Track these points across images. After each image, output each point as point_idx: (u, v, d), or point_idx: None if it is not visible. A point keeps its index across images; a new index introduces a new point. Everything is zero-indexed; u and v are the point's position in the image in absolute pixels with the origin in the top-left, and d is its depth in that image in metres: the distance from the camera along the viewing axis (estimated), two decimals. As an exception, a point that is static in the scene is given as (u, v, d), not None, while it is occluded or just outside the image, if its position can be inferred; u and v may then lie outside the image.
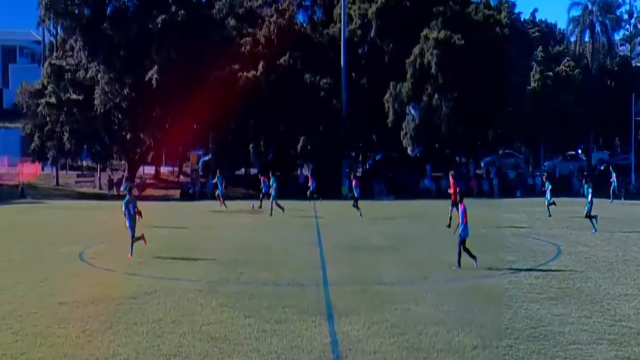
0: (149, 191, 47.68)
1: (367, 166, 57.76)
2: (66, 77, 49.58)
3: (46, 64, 52.90)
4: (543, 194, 33.16)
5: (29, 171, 52.74)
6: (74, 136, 49.00)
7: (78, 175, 54.19)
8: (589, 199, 24.52)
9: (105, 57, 47.10)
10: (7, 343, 10.38)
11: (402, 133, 47.45)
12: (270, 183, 33.68)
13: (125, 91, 47.55)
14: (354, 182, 31.89)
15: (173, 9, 46.84)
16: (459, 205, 16.82)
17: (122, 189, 29.24)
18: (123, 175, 51.78)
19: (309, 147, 47.28)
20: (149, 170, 57.15)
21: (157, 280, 15.24)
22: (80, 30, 47.86)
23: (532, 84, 55.31)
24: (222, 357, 9.72)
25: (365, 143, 52.66)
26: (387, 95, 47.46)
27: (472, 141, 52.31)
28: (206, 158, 54.49)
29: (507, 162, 57.24)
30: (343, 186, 47.26)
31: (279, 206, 31.47)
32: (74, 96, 48.68)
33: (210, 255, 19.43)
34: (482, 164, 59.14)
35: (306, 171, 53.60)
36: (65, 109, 49.03)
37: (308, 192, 37.52)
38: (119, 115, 48.82)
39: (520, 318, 11.64)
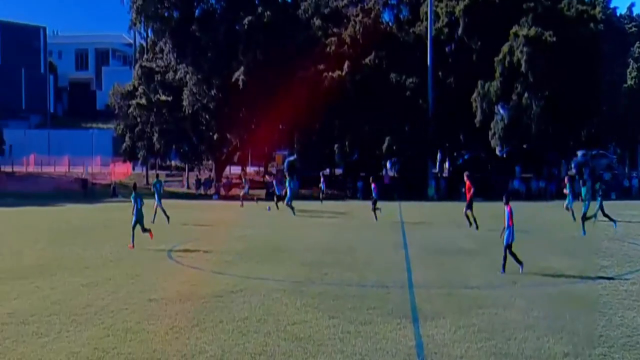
0: (235, 191, 48.44)
1: (454, 167, 56.80)
2: (156, 78, 50.99)
3: (137, 66, 54.58)
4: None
5: (121, 171, 54.60)
6: (163, 136, 50.34)
7: (167, 175, 55.68)
8: (586, 201, 24.63)
9: (194, 58, 48.15)
10: (99, 337, 10.66)
11: (490, 133, 46.42)
12: (287, 184, 34.18)
13: (213, 92, 48.45)
14: (372, 185, 31.24)
15: (259, 10, 47.42)
16: (505, 208, 15.75)
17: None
18: (210, 175, 52.86)
19: (394, 147, 46.91)
20: (235, 170, 58.18)
21: (242, 280, 15.39)
22: (170, 32, 49.12)
23: (629, 82, 52.96)
24: (306, 357, 9.67)
25: (451, 143, 51.78)
26: (474, 95, 46.54)
27: (563, 141, 50.58)
28: (291, 158, 54.93)
29: (599, 162, 55.07)
30: (429, 187, 46.72)
31: (291, 207, 31.96)
32: (163, 97, 50.02)
33: (294, 255, 19.49)
34: (572, 165, 57.14)
35: (392, 171, 53.26)
36: (155, 110, 50.42)
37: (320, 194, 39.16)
38: (207, 116, 49.80)
39: (614, 326, 11.09)
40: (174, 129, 50.53)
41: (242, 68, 46.35)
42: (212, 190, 48.55)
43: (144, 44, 59.38)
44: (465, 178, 26.35)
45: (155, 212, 27.81)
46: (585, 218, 23.96)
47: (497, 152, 47.52)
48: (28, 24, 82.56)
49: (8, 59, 76.08)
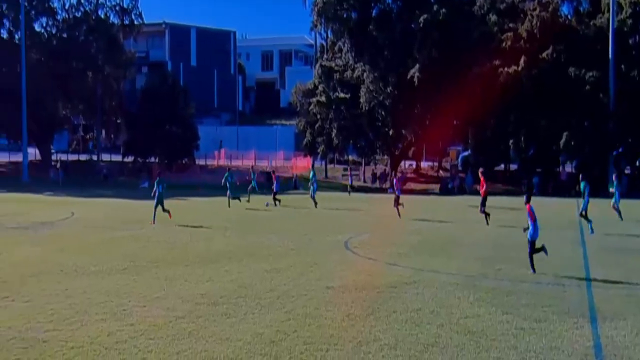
0: (410, 185, 48.67)
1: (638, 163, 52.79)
2: (335, 77, 52.46)
3: (317, 65, 56.45)
4: None
5: (301, 164, 56.79)
6: (341, 132, 51.75)
7: (344, 169, 57.10)
8: (586, 197, 23.56)
9: (371, 57, 48.94)
10: (280, 321, 11.32)
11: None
12: (310, 177, 33.54)
13: (389, 89, 48.97)
14: (394, 180, 29.85)
15: (435, 8, 47.22)
16: (526, 206, 15.48)
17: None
18: (385, 169, 53.49)
19: (572, 143, 44.67)
20: (410, 164, 58.34)
21: (416, 272, 15.61)
22: (348, 33, 50.29)
23: None
24: (478, 351, 9.71)
25: (635, 139, 48.22)
26: (661, 88, 43.00)
27: None
28: (465, 154, 54.11)
29: None
30: (609, 183, 43.86)
31: (314, 201, 32.25)
32: (341, 95, 51.39)
33: (467, 249, 19.40)
34: None
35: (569, 167, 50.70)
36: (333, 107, 51.94)
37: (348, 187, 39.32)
38: (382, 113, 50.44)
39: None
40: (352, 125, 51.74)
41: (417, 65, 46.45)
42: (387, 184, 49.13)
43: (324, 45, 61.19)
44: (479, 175, 26.43)
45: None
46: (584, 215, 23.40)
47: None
48: (220, 29, 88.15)
49: (203, 62, 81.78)
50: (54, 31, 58.98)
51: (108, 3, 60.25)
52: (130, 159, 57.92)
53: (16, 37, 55.68)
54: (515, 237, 21.93)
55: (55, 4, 58.22)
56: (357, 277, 15.02)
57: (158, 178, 27.04)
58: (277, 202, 33.23)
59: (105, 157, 62.56)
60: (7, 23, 57.29)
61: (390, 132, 51.80)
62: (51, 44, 57.70)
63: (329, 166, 56.97)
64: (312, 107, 53.57)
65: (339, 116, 51.90)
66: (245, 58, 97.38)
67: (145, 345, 9.99)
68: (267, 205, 32.83)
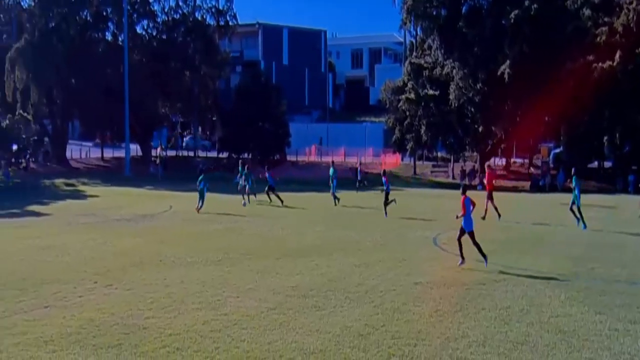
0: (500, 182, 47.66)
1: None
2: (424, 74, 52.05)
3: (406, 63, 56.18)
4: None
5: (391, 161, 56.66)
6: (430, 129, 51.34)
7: (433, 166, 56.47)
8: (577, 192, 23.13)
9: (460, 54, 48.27)
10: (369, 315, 11.49)
11: None
12: (331, 173, 32.35)
13: (478, 86, 48.17)
14: (383, 179, 28.15)
15: (526, 3, 46.04)
16: (461, 197, 15.90)
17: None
18: (474, 166, 52.67)
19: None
20: (500, 162, 57.14)
21: (505, 269, 15.42)
22: (438, 30, 49.76)
23: None
24: (570, 351, 9.58)
25: None
26: None
27: None
28: (557, 150, 52.52)
29: None
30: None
31: (335, 197, 30.89)
32: (430, 92, 50.95)
33: (558, 248, 18.98)
34: None
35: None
36: (422, 103, 51.56)
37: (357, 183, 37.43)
38: (472, 109, 49.69)
39: None
40: (441, 122, 51.21)
41: (507, 61, 45.44)
42: (476, 181, 48.31)
43: (414, 42, 60.77)
44: (486, 168, 26.64)
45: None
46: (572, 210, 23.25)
47: None
48: (311, 28, 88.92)
49: (294, 61, 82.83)
50: (154, 33, 61.11)
51: (204, 5, 61.94)
52: (224, 154, 59.44)
53: (120, 39, 58.04)
54: (609, 237, 21.34)
55: (156, 7, 60.31)
56: (446, 273, 15.01)
57: (203, 175, 28.85)
58: (270, 198, 31.28)
59: (202, 153, 64.51)
60: (111, 26, 59.90)
61: (480, 129, 50.94)
62: (151, 46, 59.89)
63: (418, 163, 56.56)
64: (401, 104, 53.36)
65: (428, 113, 51.48)
66: (335, 56, 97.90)
67: (238, 334, 10.34)
68: (244, 205, 30.49)
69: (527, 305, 12.07)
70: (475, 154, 54.59)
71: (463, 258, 15.71)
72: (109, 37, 60.31)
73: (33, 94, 53.08)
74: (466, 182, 49.83)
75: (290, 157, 59.36)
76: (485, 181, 26.79)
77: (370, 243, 19.68)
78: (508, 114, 49.14)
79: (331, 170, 32.81)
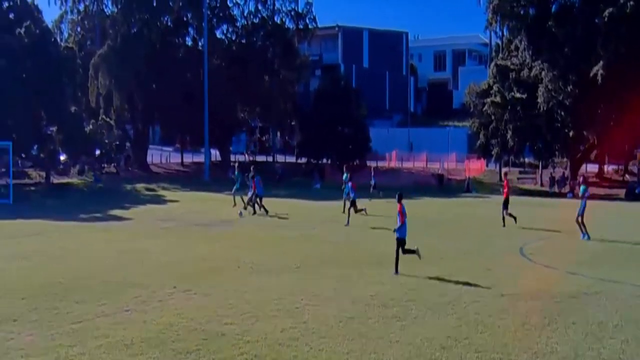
0: (592, 190, 45.84)
1: None
2: (510, 76, 50.74)
3: (492, 65, 54.93)
4: None
5: (475, 167, 55.48)
6: (516, 134, 49.92)
7: (520, 172, 54.95)
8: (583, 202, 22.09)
9: (549, 55, 46.77)
10: (451, 326, 11.13)
11: None
12: (344, 178, 30.59)
13: (569, 88, 46.52)
14: (348, 184, 26.81)
15: (621, 1, 44.07)
16: (397, 205, 15.86)
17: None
18: (564, 173, 50.91)
19: None
20: (592, 168, 55.02)
21: (598, 282, 14.69)
22: (525, 30, 48.39)
23: None
24: (669, 372, 8.96)
25: None
26: None
27: None
28: (655, 157, 50.13)
29: None
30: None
31: (353, 208, 27.26)
32: (517, 95, 49.58)
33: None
34: None
35: None
36: (509, 107, 50.24)
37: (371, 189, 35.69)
38: (562, 113, 48.05)
39: None
40: (528, 126, 49.70)
41: (601, 62, 43.61)
42: (566, 189, 46.64)
43: (499, 43, 59.46)
44: (503, 177, 27.06)
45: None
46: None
47: None
48: (392, 30, 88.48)
49: (375, 64, 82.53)
50: (233, 37, 62.11)
51: (284, 8, 62.49)
52: (303, 159, 59.73)
53: (199, 44, 59.26)
54: None
55: (235, 12, 61.27)
56: (533, 285, 14.41)
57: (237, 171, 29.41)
58: (256, 208, 29.35)
59: (280, 158, 65.05)
60: (191, 31, 61.20)
61: (570, 134, 49.17)
62: (231, 50, 60.87)
63: (504, 169, 55.14)
64: (486, 107, 52.19)
65: (514, 117, 50.09)
66: (417, 59, 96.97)
67: (316, 343, 10.21)
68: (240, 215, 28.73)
69: (622, 321, 11.40)
70: (565, 159, 52.82)
71: (396, 270, 15.54)
72: (189, 42, 61.65)
73: (115, 99, 54.68)
74: (555, 189, 48.20)
75: (371, 163, 59.04)
76: (504, 190, 26.34)
77: (453, 252, 19.18)
78: (601, 117, 47.26)
79: (344, 176, 31.51)
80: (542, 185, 50.82)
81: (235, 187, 31.92)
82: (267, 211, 29.01)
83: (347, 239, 21.87)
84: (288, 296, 13.24)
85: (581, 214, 22.10)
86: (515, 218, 24.98)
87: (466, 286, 14.26)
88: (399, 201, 15.99)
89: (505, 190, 26.13)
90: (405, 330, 10.87)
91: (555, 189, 48.47)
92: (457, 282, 14.65)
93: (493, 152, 52.82)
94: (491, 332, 10.79)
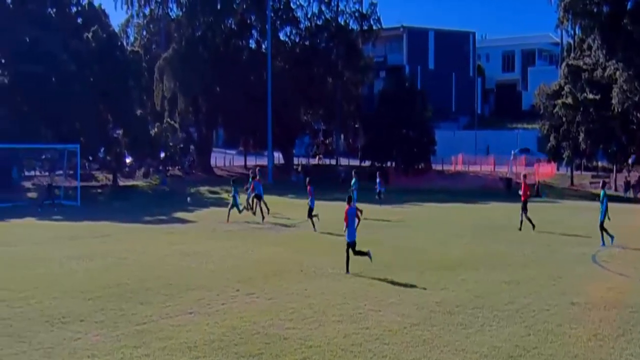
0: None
1: None
2: (583, 77, 49.26)
3: (563, 65, 53.46)
4: None
5: (545, 171, 54.07)
6: (589, 136, 48.39)
7: (593, 176, 53.21)
8: (603, 207, 21.11)
9: (624, 54, 45.20)
10: (520, 335, 10.84)
11: None
12: (352, 183, 29.46)
13: (645, 88, 44.91)
14: (308, 188, 25.44)
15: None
16: (345, 207, 16.33)
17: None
18: (639, 177, 49.10)
19: None
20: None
21: (677, 292, 14.01)
22: (599, 28, 46.92)
23: None
24: None
25: None
26: None
27: None
28: None
29: None
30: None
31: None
32: (590, 96, 48.07)
33: None
34: None
35: None
36: (581, 109, 48.78)
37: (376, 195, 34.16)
38: (638, 115, 46.38)
39: None
40: (601, 129, 48.12)
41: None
42: (643, 194, 45.01)
43: (571, 42, 57.85)
44: (522, 179, 26.41)
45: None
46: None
47: None
48: (459, 30, 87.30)
49: (441, 65, 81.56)
50: (297, 39, 62.34)
51: (348, 9, 62.28)
52: (367, 163, 59.43)
53: (263, 46, 59.70)
54: None
55: (299, 14, 61.47)
56: (606, 293, 13.87)
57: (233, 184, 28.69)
58: (254, 209, 28.59)
59: (344, 161, 64.92)
60: (255, 33, 61.65)
61: (648, 136, 47.41)
62: (294, 52, 61.13)
63: (575, 173, 53.55)
64: (557, 109, 50.78)
65: (587, 119, 48.57)
66: (484, 59, 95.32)
67: (379, 350, 10.13)
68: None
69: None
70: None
71: (347, 270, 16.03)
72: (252, 44, 62.15)
73: (180, 102, 55.64)
74: (630, 194, 46.48)
75: (436, 166, 58.29)
76: (521, 192, 25.50)
77: (521, 258, 18.65)
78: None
79: (353, 180, 31.34)
80: (616, 190, 49.08)
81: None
82: (254, 212, 28.48)
83: (410, 244, 21.59)
84: (351, 301, 13.15)
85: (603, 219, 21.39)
86: (533, 225, 24.43)
87: (535, 294, 13.88)
88: (348, 203, 16.60)
89: (523, 192, 25.41)
90: (471, 339, 10.67)
91: (630, 194, 46.74)
92: (525, 290, 14.27)
93: (564, 156, 51.35)
94: (561, 342, 10.50)
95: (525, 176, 27.39)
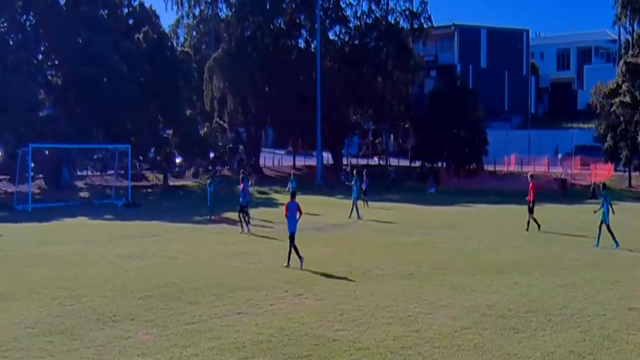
0: None
1: None
2: (643, 75, 47.94)
3: (621, 62, 51.96)
4: None
5: (602, 172, 52.65)
6: (647, 137, 47.03)
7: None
8: (605, 208, 20.85)
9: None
10: (575, 341, 10.58)
11: None
12: (353, 182, 29.37)
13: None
14: (240, 186, 25.83)
15: None
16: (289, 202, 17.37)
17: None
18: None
19: None
20: None
21: None
22: (658, 24, 45.68)
23: None
24: None
25: None
26: None
27: None
28: None
29: None
30: None
31: (356, 210, 29.17)
32: (649, 95, 46.73)
33: None
34: None
35: None
36: (639, 108, 47.43)
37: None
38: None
39: None
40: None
41: None
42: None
43: (629, 39, 56.21)
44: (529, 179, 26.42)
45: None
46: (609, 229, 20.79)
47: None
48: (512, 27, 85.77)
49: (493, 63, 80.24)
50: (346, 39, 61.88)
51: (398, 8, 61.58)
52: (417, 163, 58.87)
53: (312, 46, 59.50)
54: None
55: (348, 12, 60.88)
56: (667, 299, 13.36)
57: (211, 179, 28.01)
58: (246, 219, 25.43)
59: (394, 161, 64.46)
60: (304, 33, 61.41)
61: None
62: (344, 51, 60.77)
63: (634, 174, 52.00)
64: (614, 108, 49.39)
65: (646, 119, 47.19)
66: (538, 57, 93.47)
67: (429, 353, 10.01)
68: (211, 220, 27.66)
69: None
70: None
71: (288, 262, 16.97)
72: (301, 44, 61.84)
73: (229, 102, 55.87)
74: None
75: (488, 167, 57.35)
76: (528, 195, 25.32)
77: (577, 261, 18.17)
78: None
79: (354, 179, 30.94)
80: (675, 191, 47.50)
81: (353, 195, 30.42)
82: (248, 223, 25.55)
83: (461, 246, 21.27)
84: (401, 303, 13.01)
85: (607, 221, 20.93)
86: (539, 225, 24.43)
87: (591, 298, 13.53)
88: (292, 198, 17.66)
89: (531, 193, 25.23)
90: (523, 343, 10.44)
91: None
92: (581, 294, 13.93)
93: (622, 156, 49.94)
94: (618, 349, 10.20)
95: (532, 176, 26.99)
